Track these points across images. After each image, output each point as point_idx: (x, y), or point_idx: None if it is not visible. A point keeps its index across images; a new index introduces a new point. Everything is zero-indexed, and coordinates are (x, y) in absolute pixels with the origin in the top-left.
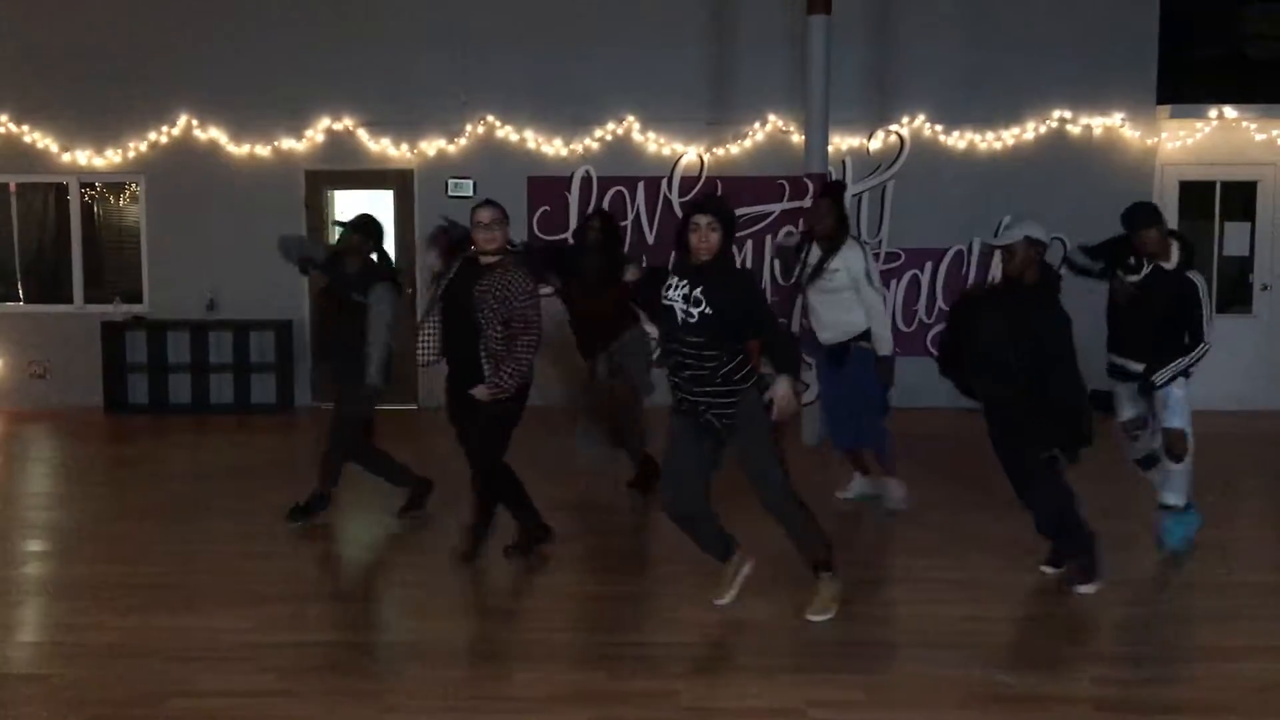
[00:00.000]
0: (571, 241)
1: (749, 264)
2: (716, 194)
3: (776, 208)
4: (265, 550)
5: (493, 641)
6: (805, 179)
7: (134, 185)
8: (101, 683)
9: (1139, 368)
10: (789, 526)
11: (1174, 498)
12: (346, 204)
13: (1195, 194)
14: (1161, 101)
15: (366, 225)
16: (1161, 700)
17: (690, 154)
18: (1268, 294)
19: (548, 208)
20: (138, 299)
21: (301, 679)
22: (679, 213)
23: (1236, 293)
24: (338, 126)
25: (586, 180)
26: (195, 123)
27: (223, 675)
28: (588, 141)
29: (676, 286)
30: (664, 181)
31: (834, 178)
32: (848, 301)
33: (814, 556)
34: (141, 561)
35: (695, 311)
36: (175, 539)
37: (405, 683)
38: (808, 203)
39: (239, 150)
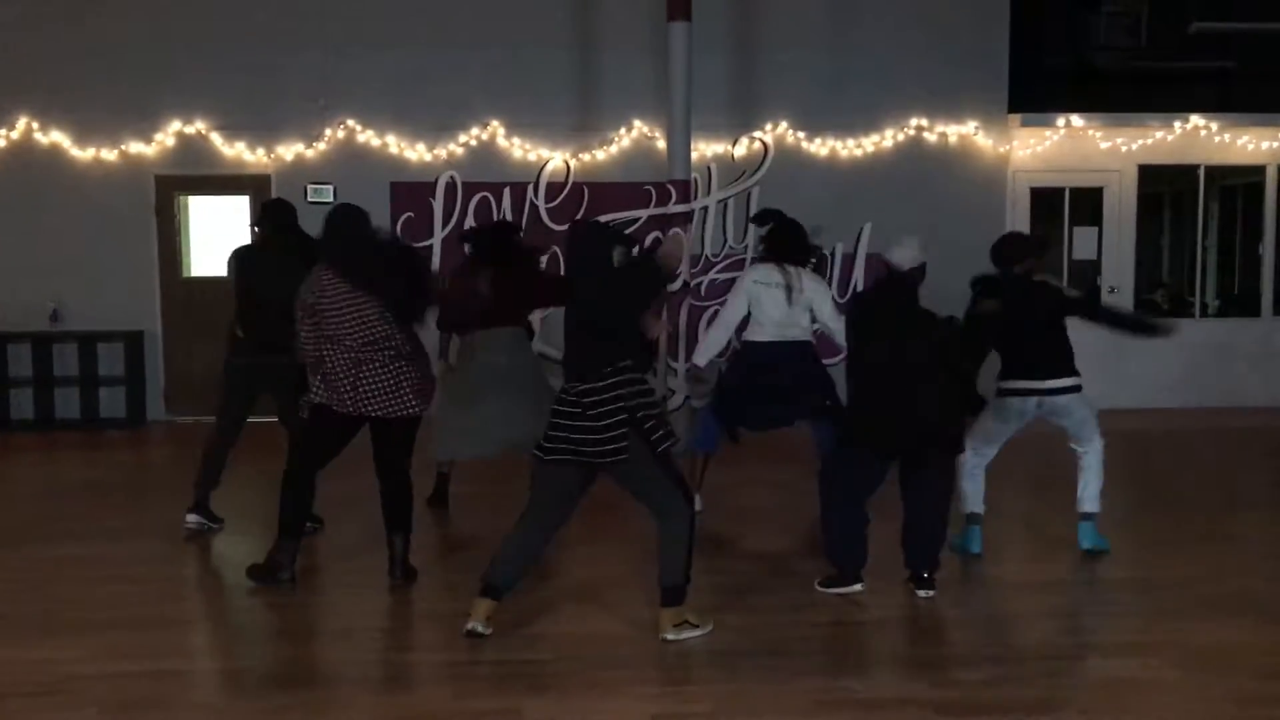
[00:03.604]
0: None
1: None
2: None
3: (644, 213)
4: (115, 574)
5: (334, 665)
6: (669, 185)
7: None
8: None
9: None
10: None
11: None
12: (200, 211)
13: (1045, 200)
14: (1013, 110)
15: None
16: (1002, 700)
17: (556, 159)
18: (1114, 296)
19: (411, 214)
20: None
21: (121, 713)
22: (546, 219)
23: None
24: (190, 130)
25: (451, 186)
26: (36, 125)
27: (37, 713)
28: (452, 147)
29: None
30: (530, 187)
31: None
32: None
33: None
34: None
35: None
36: (16, 564)
37: (232, 714)
38: (673, 208)
39: (83, 154)
